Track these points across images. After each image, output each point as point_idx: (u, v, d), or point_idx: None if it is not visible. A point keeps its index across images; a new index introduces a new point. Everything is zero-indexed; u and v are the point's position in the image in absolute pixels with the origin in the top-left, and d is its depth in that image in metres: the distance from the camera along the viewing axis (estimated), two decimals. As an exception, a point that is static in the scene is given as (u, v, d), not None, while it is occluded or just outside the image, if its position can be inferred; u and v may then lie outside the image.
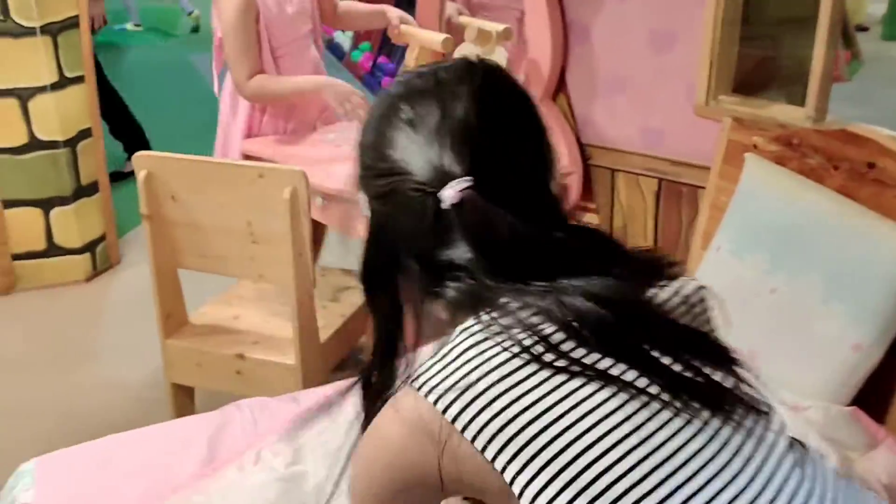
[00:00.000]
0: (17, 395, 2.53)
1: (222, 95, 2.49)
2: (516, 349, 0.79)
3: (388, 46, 5.74)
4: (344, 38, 6.46)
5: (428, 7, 2.49)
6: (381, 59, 5.68)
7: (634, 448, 0.76)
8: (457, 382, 0.79)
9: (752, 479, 0.79)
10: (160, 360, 2.17)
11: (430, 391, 0.80)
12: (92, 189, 3.13)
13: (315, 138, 2.41)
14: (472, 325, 0.83)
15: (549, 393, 0.78)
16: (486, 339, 0.81)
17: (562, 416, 0.77)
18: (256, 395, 1.81)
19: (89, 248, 3.15)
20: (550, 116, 2.26)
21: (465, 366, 0.80)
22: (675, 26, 2.05)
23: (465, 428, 0.78)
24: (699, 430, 0.79)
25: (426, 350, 0.87)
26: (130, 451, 1.58)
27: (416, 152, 0.87)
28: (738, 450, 0.80)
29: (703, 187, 2.11)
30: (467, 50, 2.22)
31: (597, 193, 2.33)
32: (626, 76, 2.17)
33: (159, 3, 8.26)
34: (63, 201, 3.03)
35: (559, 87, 2.29)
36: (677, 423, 0.78)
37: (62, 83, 2.92)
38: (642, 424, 0.77)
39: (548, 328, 0.80)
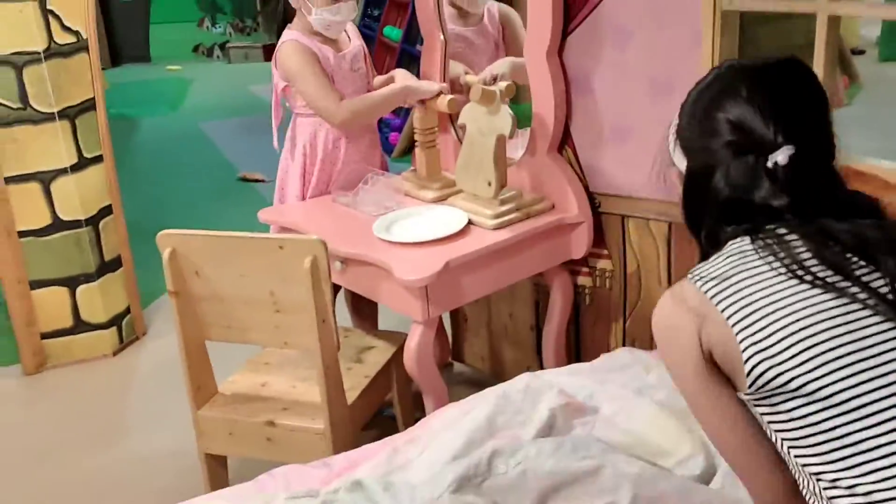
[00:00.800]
0: (54, 478, 2.57)
1: (285, 147, 2.58)
2: (771, 261, 1.11)
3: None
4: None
5: (431, 67, 2.57)
6: (388, 115, 5.80)
7: (843, 334, 1.05)
8: (718, 273, 1.14)
9: None
10: (191, 429, 2.21)
11: (698, 279, 1.15)
12: (115, 264, 3.20)
13: (330, 204, 2.47)
14: (743, 240, 1.16)
15: (786, 289, 1.09)
16: (752, 251, 1.14)
17: (792, 304, 1.08)
18: (288, 460, 1.85)
19: (115, 321, 3.21)
20: (557, 168, 2.32)
21: (727, 264, 1.14)
22: (672, 73, 2.11)
23: (718, 303, 1.11)
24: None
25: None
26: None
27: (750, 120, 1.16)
28: None
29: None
30: (473, 110, 2.29)
31: (608, 240, 2.37)
32: (630, 124, 2.22)
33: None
34: (88, 278, 3.10)
35: (564, 138, 2.34)
36: (882, 323, 1.06)
37: (82, 164, 3.01)
38: (855, 320, 1.06)
39: (804, 253, 1.11)
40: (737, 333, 1.09)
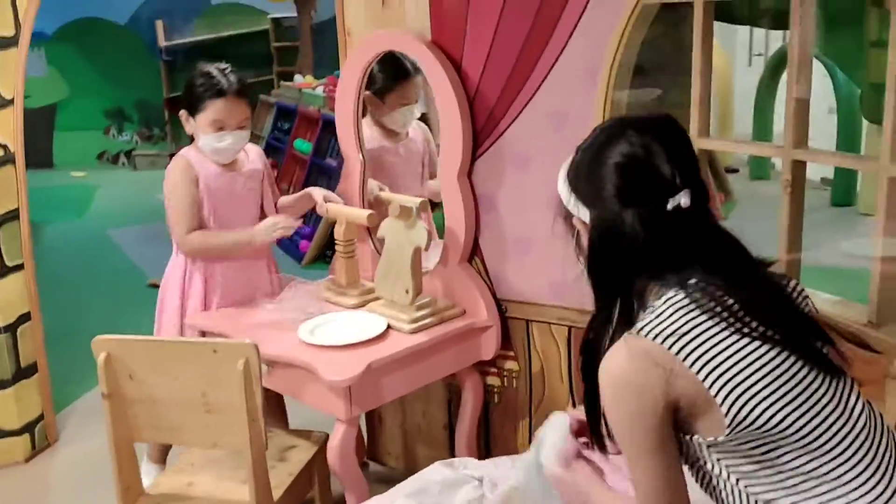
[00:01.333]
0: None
1: (167, 273, 2.70)
2: (711, 311, 1.26)
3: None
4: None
5: (350, 185, 2.78)
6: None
7: (788, 381, 1.26)
8: (674, 329, 1.25)
9: (851, 408, 1.30)
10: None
11: (655, 335, 1.26)
12: (31, 370, 3.22)
13: (253, 310, 2.62)
14: (677, 294, 1.29)
15: (737, 342, 1.25)
16: (690, 303, 1.27)
17: (746, 355, 1.25)
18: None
19: (28, 428, 3.22)
20: (467, 277, 2.54)
21: (678, 317, 1.26)
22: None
23: (685, 358, 1.23)
24: (823, 381, 1.29)
25: None
26: None
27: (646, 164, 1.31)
28: (840, 392, 1.31)
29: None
30: (391, 224, 2.50)
31: (514, 342, 2.59)
32: (532, 237, 2.48)
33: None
34: (3, 385, 3.12)
35: (474, 250, 2.58)
36: (811, 374, 1.28)
37: (3, 272, 3.07)
38: (796, 372, 1.26)
39: (729, 301, 1.26)
40: (710, 385, 1.23)
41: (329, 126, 6.03)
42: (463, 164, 2.48)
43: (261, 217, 2.70)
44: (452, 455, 2.74)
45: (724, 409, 1.24)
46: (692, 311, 1.27)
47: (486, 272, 2.59)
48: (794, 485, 1.28)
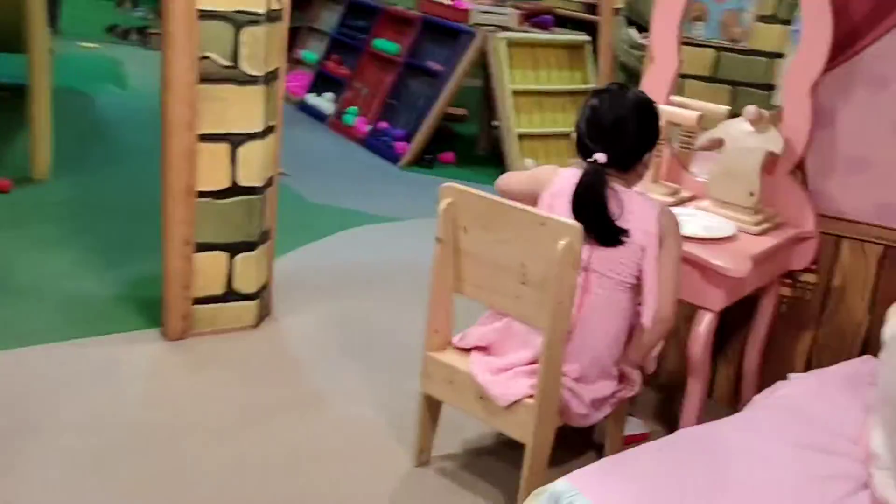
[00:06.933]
0: (255, 445, 2.53)
1: None
2: None
3: (386, 113, 5.98)
4: (319, 101, 6.62)
5: (659, 86, 2.78)
6: (383, 125, 5.90)
7: None
8: None
9: None
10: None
11: None
12: (266, 236, 3.15)
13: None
14: None
15: None
16: None
17: None
18: (497, 426, 2.17)
19: (259, 294, 3.16)
20: (795, 187, 2.62)
21: None
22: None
23: None
24: None
25: None
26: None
27: None
28: None
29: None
30: (732, 127, 2.55)
31: (820, 257, 2.70)
32: (869, 156, 2.57)
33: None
34: (249, 247, 3.04)
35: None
36: None
37: (265, 131, 2.97)
38: None
39: None
40: None
41: (430, 28, 5.93)
42: (818, 77, 2.53)
43: None
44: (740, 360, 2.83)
45: None
46: None
47: (805, 185, 2.67)
48: None
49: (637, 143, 2.23)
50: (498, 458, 2.55)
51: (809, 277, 2.74)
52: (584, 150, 2.22)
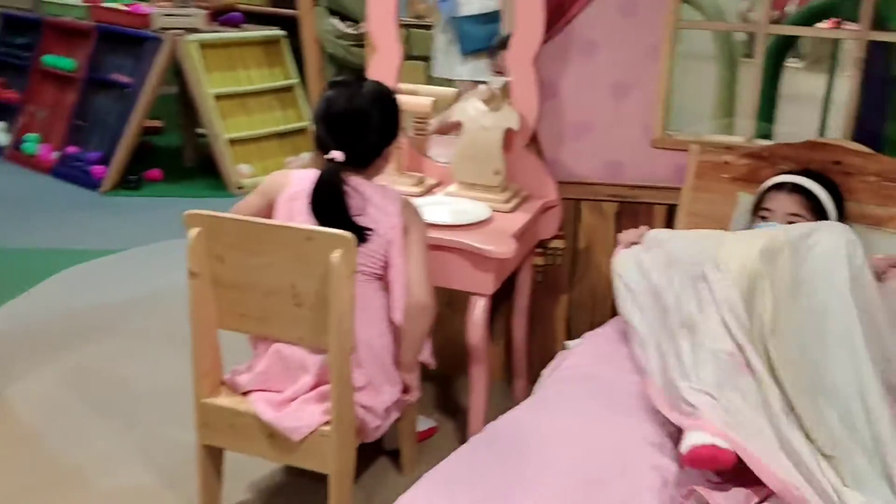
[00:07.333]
0: None
1: None
2: None
3: (74, 135, 5.43)
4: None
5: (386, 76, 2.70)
6: (73, 149, 5.37)
7: None
8: None
9: None
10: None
11: None
12: None
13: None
14: None
15: None
16: None
17: None
18: (288, 461, 2.02)
19: None
20: (533, 160, 2.66)
21: None
22: (631, 79, 2.63)
23: None
24: None
25: None
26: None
27: None
28: None
29: (658, 204, 2.71)
30: (467, 107, 2.54)
31: (564, 222, 2.78)
32: (592, 120, 2.67)
33: None
34: None
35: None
36: None
37: None
38: None
39: None
40: None
41: (108, 38, 5.44)
42: (538, 49, 2.57)
43: None
44: (508, 334, 2.86)
45: None
46: None
47: (541, 156, 2.73)
48: None
49: (377, 137, 2.14)
50: (296, 491, 2.38)
51: (558, 243, 2.81)
52: (321, 145, 2.11)
